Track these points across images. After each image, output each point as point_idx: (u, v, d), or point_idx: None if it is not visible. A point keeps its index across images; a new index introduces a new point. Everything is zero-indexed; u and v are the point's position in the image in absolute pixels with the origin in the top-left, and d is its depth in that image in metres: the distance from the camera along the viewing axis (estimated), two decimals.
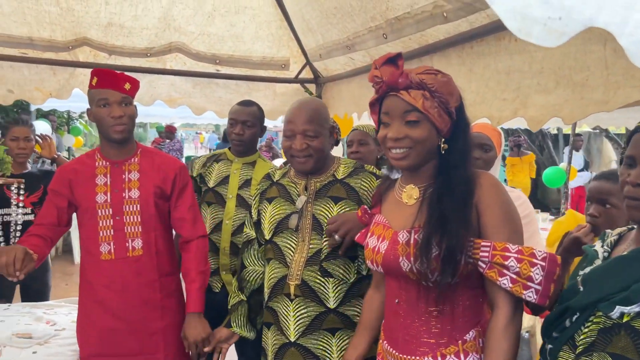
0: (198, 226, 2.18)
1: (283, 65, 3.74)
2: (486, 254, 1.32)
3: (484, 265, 1.33)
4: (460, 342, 1.40)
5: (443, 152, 1.41)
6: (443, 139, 1.41)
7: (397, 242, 1.42)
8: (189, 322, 2.07)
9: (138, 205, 2.08)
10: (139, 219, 2.07)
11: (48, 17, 3.07)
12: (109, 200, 2.06)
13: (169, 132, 10.04)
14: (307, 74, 3.83)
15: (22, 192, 2.90)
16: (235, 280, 2.10)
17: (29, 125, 3.10)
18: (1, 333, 2.22)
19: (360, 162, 2.01)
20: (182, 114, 8.06)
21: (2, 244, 2.14)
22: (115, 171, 2.09)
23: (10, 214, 2.86)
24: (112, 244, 2.05)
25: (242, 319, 2.04)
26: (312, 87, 3.88)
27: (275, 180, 2.01)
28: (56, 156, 3.29)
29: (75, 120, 11.24)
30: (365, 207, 1.73)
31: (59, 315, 2.53)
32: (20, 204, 2.86)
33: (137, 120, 2.18)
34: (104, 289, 2.06)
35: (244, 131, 2.57)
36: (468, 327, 1.41)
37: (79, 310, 2.15)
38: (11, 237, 2.08)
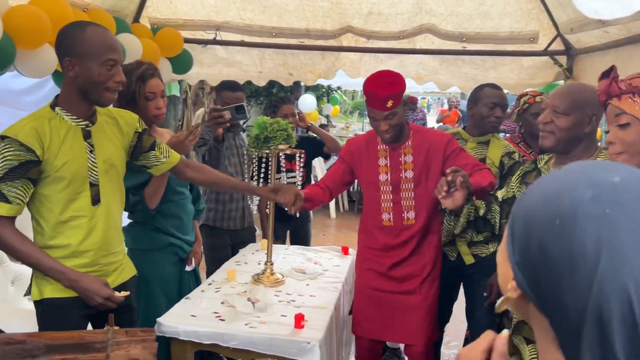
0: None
1: (531, 39, 3.72)
2: None
3: None
4: None
5: None
6: None
7: None
8: None
9: (412, 184, 2.40)
10: (413, 195, 2.41)
11: (321, 11, 3.65)
12: (389, 179, 2.43)
13: (410, 102, 10.30)
14: (557, 46, 3.73)
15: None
16: None
17: (293, 102, 3.74)
18: (284, 267, 2.89)
19: None
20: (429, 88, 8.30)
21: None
22: (393, 155, 2.43)
23: (295, 177, 3.57)
24: (391, 213, 2.44)
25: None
26: (562, 60, 3.76)
27: (538, 167, 2.08)
28: (310, 125, 3.84)
29: (334, 92, 12.53)
30: None
31: (323, 259, 3.12)
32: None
33: None
34: (379, 250, 2.49)
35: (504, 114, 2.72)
36: None
37: (357, 258, 2.66)
38: None
